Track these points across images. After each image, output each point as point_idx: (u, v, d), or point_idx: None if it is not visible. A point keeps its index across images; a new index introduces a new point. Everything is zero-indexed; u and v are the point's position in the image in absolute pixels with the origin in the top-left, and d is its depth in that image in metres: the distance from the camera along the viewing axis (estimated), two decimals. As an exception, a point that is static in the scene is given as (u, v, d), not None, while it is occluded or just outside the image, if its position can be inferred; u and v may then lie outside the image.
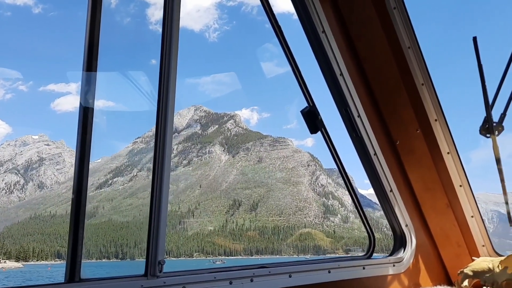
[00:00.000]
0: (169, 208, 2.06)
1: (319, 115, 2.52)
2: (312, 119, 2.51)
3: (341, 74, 2.57)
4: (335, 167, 2.76)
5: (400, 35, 2.61)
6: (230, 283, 1.95)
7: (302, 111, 2.51)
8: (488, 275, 2.33)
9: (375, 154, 2.79)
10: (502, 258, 2.47)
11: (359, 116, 2.68)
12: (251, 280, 2.02)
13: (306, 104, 2.54)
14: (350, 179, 2.77)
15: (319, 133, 2.62)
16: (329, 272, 2.40)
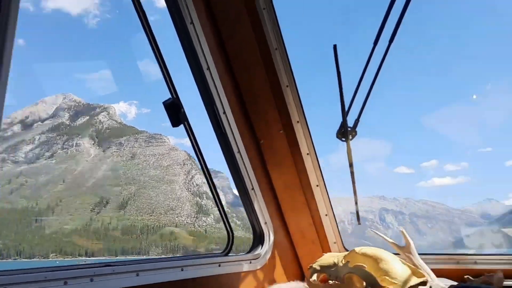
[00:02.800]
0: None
1: (183, 108, 2.43)
2: (175, 112, 2.41)
3: (208, 69, 2.52)
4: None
5: (268, 36, 2.66)
6: (65, 283, 1.73)
7: (164, 103, 2.39)
8: (333, 269, 2.47)
9: (239, 152, 2.80)
10: (347, 253, 2.65)
11: (224, 113, 2.66)
12: (91, 280, 1.83)
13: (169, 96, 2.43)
14: (211, 174, 2.73)
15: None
16: (181, 270, 2.31)
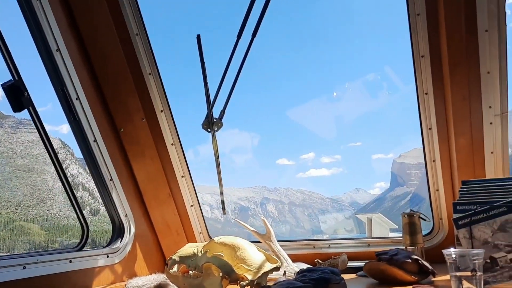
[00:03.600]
0: None
1: (27, 91, 2.19)
2: (17, 96, 2.17)
3: (58, 50, 2.32)
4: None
5: (127, 20, 2.54)
6: None
7: (3, 85, 2.13)
8: (192, 259, 2.47)
9: (95, 140, 2.64)
10: (206, 243, 2.67)
11: (78, 98, 2.48)
12: None
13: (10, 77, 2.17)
14: (62, 163, 2.53)
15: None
16: (24, 268, 2.11)
